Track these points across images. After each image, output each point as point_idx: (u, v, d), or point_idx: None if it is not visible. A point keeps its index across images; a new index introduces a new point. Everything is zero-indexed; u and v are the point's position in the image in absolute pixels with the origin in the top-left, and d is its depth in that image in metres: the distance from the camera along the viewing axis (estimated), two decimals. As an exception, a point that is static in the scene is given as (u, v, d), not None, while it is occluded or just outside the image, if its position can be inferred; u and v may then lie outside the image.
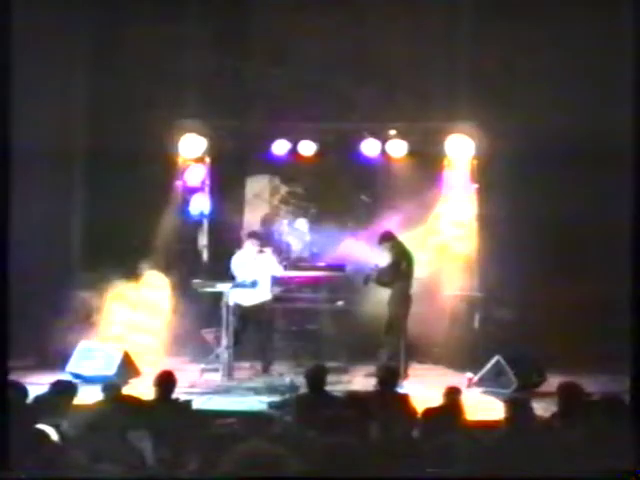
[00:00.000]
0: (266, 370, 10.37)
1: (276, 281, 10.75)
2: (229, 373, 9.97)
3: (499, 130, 10.88)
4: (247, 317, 10.38)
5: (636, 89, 6.42)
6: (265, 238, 11.30)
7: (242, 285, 10.17)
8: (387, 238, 10.40)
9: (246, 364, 10.50)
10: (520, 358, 9.78)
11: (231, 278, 10.34)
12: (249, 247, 10.51)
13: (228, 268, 10.50)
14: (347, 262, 11.39)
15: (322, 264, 11.68)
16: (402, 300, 10.18)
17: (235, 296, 10.16)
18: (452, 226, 11.64)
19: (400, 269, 10.20)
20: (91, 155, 11.87)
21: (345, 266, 11.34)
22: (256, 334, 10.50)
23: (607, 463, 4.82)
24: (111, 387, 6.93)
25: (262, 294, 10.39)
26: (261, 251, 10.52)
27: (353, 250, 11.60)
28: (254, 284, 10.19)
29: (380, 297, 10.37)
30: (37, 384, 7.32)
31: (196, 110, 11.66)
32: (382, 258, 10.37)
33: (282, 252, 11.84)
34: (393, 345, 10.03)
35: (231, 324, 10.02)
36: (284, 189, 12.58)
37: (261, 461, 3.70)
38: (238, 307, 10.23)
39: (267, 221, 12.54)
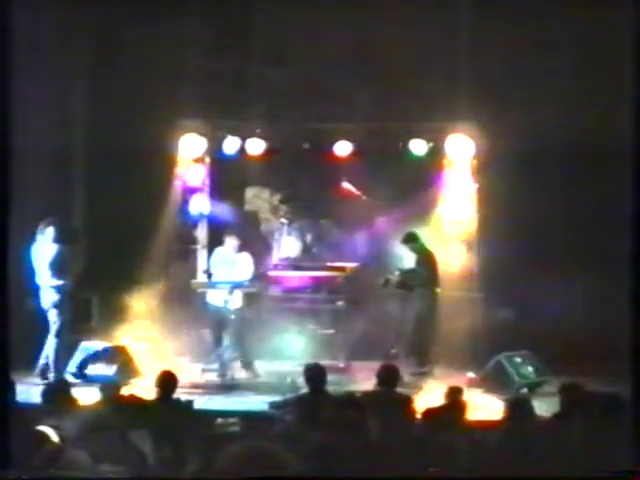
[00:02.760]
0: (247, 369, 10.28)
1: (276, 281, 10.72)
2: (230, 373, 9.96)
3: (499, 130, 10.86)
4: (224, 317, 10.31)
5: (636, 89, 6.42)
6: (247, 237, 11.18)
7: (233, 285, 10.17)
8: (411, 239, 10.41)
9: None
10: (521, 358, 9.79)
11: (207, 274, 10.36)
12: (228, 245, 10.47)
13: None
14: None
15: (322, 264, 11.66)
16: (428, 303, 10.21)
17: (211, 297, 10.25)
18: (452, 226, 11.62)
19: (423, 272, 10.19)
20: (91, 155, 11.88)
21: (344, 266, 11.32)
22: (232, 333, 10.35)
23: (607, 463, 4.82)
24: (109, 387, 6.93)
25: (236, 296, 10.28)
26: (240, 250, 10.44)
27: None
28: (239, 285, 10.16)
29: (381, 297, 10.36)
30: (38, 384, 7.32)
31: (196, 110, 11.66)
32: (405, 260, 10.37)
33: (277, 252, 11.83)
34: (418, 347, 10.06)
35: (231, 324, 10.03)
36: (284, 189, 12.55)
37: (261, 461, 3.70)
38: (215, 308, 10.27)
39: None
